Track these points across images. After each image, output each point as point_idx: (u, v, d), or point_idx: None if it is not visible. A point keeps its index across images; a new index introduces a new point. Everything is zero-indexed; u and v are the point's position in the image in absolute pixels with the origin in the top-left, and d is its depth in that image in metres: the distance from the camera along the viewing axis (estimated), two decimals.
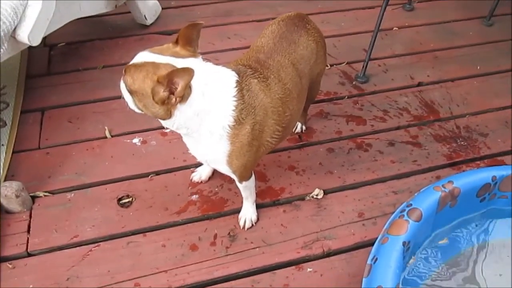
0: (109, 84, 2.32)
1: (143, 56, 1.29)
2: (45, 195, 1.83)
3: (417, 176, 2.01)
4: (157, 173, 1.95)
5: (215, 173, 1.94)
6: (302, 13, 1.74)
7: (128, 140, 2.07)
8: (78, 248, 1.69)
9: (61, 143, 2.03)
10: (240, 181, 1.62)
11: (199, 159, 1.59)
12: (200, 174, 1.92)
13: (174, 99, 1.27)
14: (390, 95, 2.39)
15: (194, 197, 1.87)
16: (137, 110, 1.39)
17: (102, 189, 1.88)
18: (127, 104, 1.38)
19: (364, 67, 2.43)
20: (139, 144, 2.05)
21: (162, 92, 1.25)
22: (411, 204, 1.52)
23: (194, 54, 1.34)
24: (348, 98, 2.36)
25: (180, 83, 1.22)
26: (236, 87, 1.40)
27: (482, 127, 2.25)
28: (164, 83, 1.24)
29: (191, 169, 1.96)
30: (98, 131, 2.09)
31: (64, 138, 2.05)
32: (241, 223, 1.77)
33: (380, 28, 2.33)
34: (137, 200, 1.85)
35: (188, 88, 1.28)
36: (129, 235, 1.73)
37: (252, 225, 1.78)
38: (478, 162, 2.09)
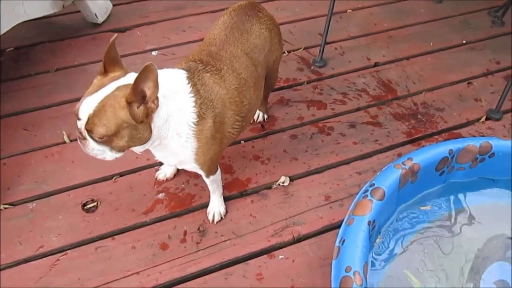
0: (64, 87, 2.26)
1: (89, 103, 1.21)
2: (5, 208, 1.77)
3: (379, 155, 2.05)
4: (121, 175, 1.92)
5: (180, 169, 1.93)
6: (254, 2, 1.73)
7: None
8: (45, 258, 1.64)
9: (18, 152, 1.97)
10: (207, 176, 1.61)
11: (168, 163, 1.57)
12: (165, 172, 1.90)
13: (152, 105, 1.23)
14: (348, 78, 2.42)
15: (161, 195, 1.85)
16: (118, 155, 1.34)
17: (65, 196, 1.83)
18: (106, 158, 1.33)
19: (321, 51, 2.45)
20: None
21: (138, 109, 1.22)
22: (373, 184, 1.55)
23: (126, 71, 1.31)
24: (307, 83, 2.38)
25: (148, 85, 1.19)
26: (188, 83, 1.39)
27: (438, 102, 2.32)
28: (134, 98, 1.20)
29: (156, 167, 1.94)
30: (56, 137, 2.03)
31: (21, 147, 1.98)
32: (210, 217, 1.77)
33: (334, 11, 2.36)
34: (103, 204, 1.81)
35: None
36: (97, 240, 1.70)
37: (221, 218, 1.78)
38: (437, 136, 2.16)
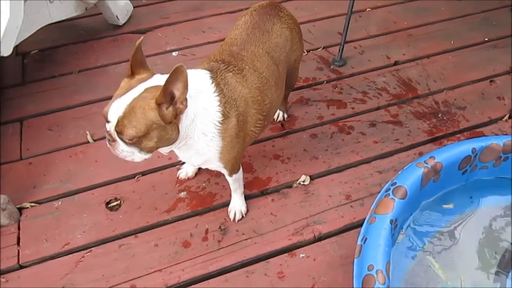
0: (86, 88, 2.31)
1: (118, 106, 1.23)
2: (32, 206, 1.82)
3: (400, 154, 2.04)
4: (143, 174, 1.94)
5: (201, 168, 1.95)
6: (275, 1, 1.74)
7: None
8: (70, 255, 1.68)
9: (43, 152, 2.01)
10: (230, 175, 1.62)
11: (192, 163, 1.59)
12: (186, 171, 1.92)
13: (180, 105, 1.25)
14: (368, 76, 2.41)
15: (182, 194, 1.87)
16: (147, 156, 1.36)
17: (89, 194, 1.87)
18: (135, 159, 1.35)
19: (341, 50, 2.45)
20: None
21: (167, 109, 1.24)
22: (395, 183, 1.54)
23: (152, 72, 1.33)
24: (327, 82, 2.37)
25: (177, 86, 1.21)
26: (212, 83, 1.41)
27: (459, 101, 2.29)
28: (164, 100, 1.22)
29: (177, 166, 1.97)
30: (79, 137, 2.08)
31: (45, 147, 2.03)
32: (231, 216, 1.78)
33: (353, 10, 2.35)
34: (126, 202, 1.84)
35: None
36: (121, 238, 1.73)
37: (242, 216, 1.79)
38: (458, 135, 2.13)
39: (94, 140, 2.07)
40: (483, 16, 2.81)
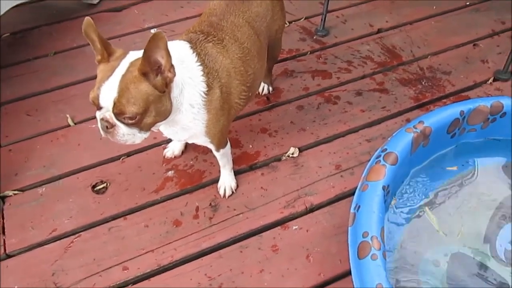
0: (64, 70, 2.23)
1: (109, 87, 1.17)
2: (15, 194, 1.76)
3: (387, 121, 2.03)
4: (128, 155, 1.90)
5: (188, 146, 1.91)
6: None
7: (94, 125, 1.99)
8: (58, 242, 1.64)
9: (23, 138, 1.95)
10: (218, 149, 1.59)
11: (178, 139, 1.54)
12: (173, 149, 1.88)
13: (168, 73, 1.20)
14: (352, 45, 2.38)
15: (170, 173, 1.84)
16: (146, 135, 1.30)
17: (74, 178, 1.82)
18: (135, 141, 1.29)
19: (323, 20, 2.40)
20: None
21: (156, 78, 1.20)
22: (386, 149, 1.53)
23: (124, 51, 1.26)
24: (310, 53, 2.34)
25: (160, 53, 1.15)
26: (193, 53, 1.36)
27: (444, 66, 2.28)
28: (149, 68, 1.17)
29: (163, 145, 1.92)
30: (60, 120, 2.01)
31: (25, 133, 1.96)
32: (221, 192, 1.76)
33: None
34: (112, 185, 1.80)
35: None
36: (110, 221, 1.69)
37: (233, 192, 1.77)
38: (444, 100, 2.13)
39: (75, 123, 2.01)
40: None
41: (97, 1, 2.53)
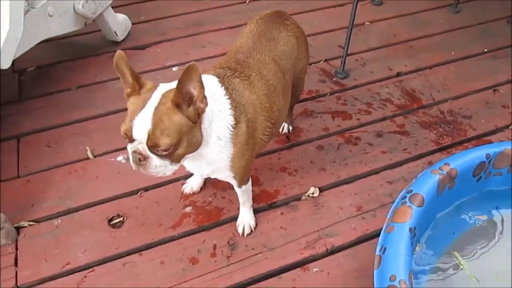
0: (85, 104, 2.25)
1: (143, 120, 1.16)
2: (30, 225, 1.73)
3: (409, 164, 2.00)
4: (146, 189, 1.87)
5: (206, 182, 1.89)
6: (280, 10, 1.72)
7: (112, 159, 1.99)
8: (71, 275, 1.59)
9: (41, 169, 1.94)
10: (240, 185, 1.57)
11: (201, 173, 1.52)
12: (192, 185, 1.86)
13: (201, 104, 1.20)
14: (372, 88, 2.39)
15: (188, 209, 1.80)
16: (176, 167, 1.28)
17: (90, 211, 1.79)
18: (166, 173, 1.27)
19: (343, 62, 2.43)
20: (124, 161, 1.98)
21: (189, 109, 1.20)
22: (411, 190, 1.49)
23: (154, 83, 1.26)
24: (330, 94, 2.35)
25: (193, 84, 1.16)
26: (221, 87, 1.37)
27: (464, 110, 2.27)
28: (181, 100, 1.17)
29: (181, 181, 1.90)
30: (79, 153, 2.01)
31: (44, 164, 1.96)
32: (240, 230, 1.71)
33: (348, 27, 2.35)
34: (129, 219, 1.77)
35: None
36: (124, 256, 1.65)
37: (251, 231, 1.72)
38: (466, 144, 2.10)
39: (95, 156, 2.00)
40: (481, 27, 2.83)
41: (121, 39, 2.59)
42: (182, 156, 1.28)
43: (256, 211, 1.78)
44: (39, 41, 2.01)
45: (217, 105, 1.33)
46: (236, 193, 1.66)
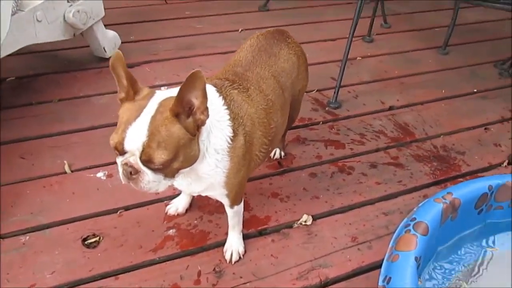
0: (67, 117, 2.13)
1: (137, 130, 1.05)
2: None
3: (404, 196, 1.92)
4: (127, 208, 1.73)
5: (192, 205, 1.76)
6: (282, 29, 1.68)
7: (92, 175, 1.85)
8: None
9: (12, 181, 1.78)
10: (232, 205, 1.45)
11: (191, 191, 1.39)
12: (177, 206, 1.72)
13: (201, 116, 1.10)
14: (364, 119, 2.35)
15: (171, 231, 1.66)
16: (170, 182, 1.17)
17: (63, 229, 1.63)
18: (159, 189, 1.16)
19: (336, 92, 2.40)
20: (104, 178, 1.84)
21: (188, 120, 1.10)
22: (415, 218, 1.41)
23: (151, 89, 1.17)
24: (323, 123, 2.29)
25: (195, 94, 1.06)
26: (220, 96, 1.28)
27: (458, 146, 2.24)
28: (181, 110, 1.07)
29: (165, 202, 1.77)
30: (56, 167, 1.86)
31: (15, 176, 1.80)
32: (227, 257, 1.58)
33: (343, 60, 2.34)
34: (106, 239, 1.61)
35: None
36: (98, 279, 1.48)
37: (240, 257, 1.59)
38: (461, 179, 2.05)
39: (72, 171, 1.86)
40: (470, 69, 2.88)
41: (109, 55, 2.50)
42: (176, 171, 1.16)
43: (245, 237, 1.65)
44: (23, 45, 1.91)
45: (215, 116, 1.24)
46: (223, 217, 1.55)
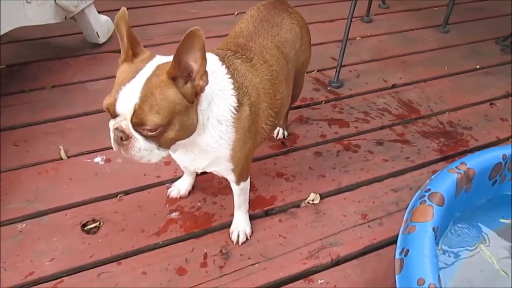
0: (61, 103, 2.05)
1: (130, 91, 0.99)
2: None
3: (413, 172, 1.87)
4: (127, 193, 1.66)
5: (195, 187, 1.70)
6: (283, 0, 1.61)
7: (89, 160, 1.78)
8: (35, 287, 1.34)
9: (5, 169, 1.70)
10: (238, 181, 1.38)
11: (195, 167, 1.32)
12: (179, 189, 1.66)
13: (200, 81, 1.03)
14: (368, 98, 2.29)
15: (174, 214, 1.60)
16: (165, 153, 1.10)
17: (61, 215, 1.56)
18: (151, 160, 1.08)
19: (338, 71, 2.33)
20: (102, 163, 1.77)
21: (186, 86, 1.02)
22: (429, 189, 1.35)
23: (151, 53, 1.11)
24: (325, 102, 2.23)
25: (194, 56, 0.99)
26: (222, 65, 1.21)
27: (464, 121, 2.18)
28: (179, 73, 1.00)
29: (167, 185, 1.70)
30: (51, 153, 1.79)
31: (10, 163, 1.73)
32: (234, 237, 1.52)
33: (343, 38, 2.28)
34: (106, 224, 1.54)
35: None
36: (100, 265, 1.42)
37: (247, 238, 1.53)
38: (470, 154, 1.99)
39: (69, 157, 1.78)
40: (471, 47, 2.82)
41: (102, 41, 2.43)
42: (172, 142, 1.09)
43: (251, 218, 1.59)
44: (13, 27, 1.82)
45: (217, 85, 1.17)
46: (228, 199, 1.49)
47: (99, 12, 2.40)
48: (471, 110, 2.28)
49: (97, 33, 2.35)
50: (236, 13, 2.92)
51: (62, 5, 2.01)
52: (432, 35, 2.92)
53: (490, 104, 2.33)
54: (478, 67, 2.62)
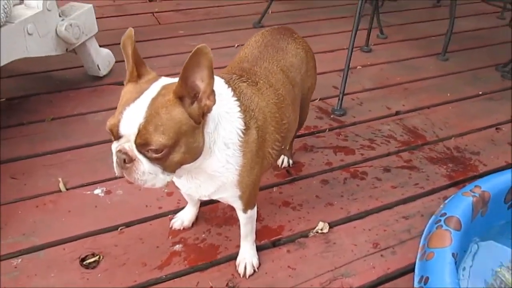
0: (60, 135, 2.02)
1: (135, 111, 0.95)
2: None
3: (423, 198, 1.81)
4: (128, 225, 1.60)
5: (199, 217, 1.63)
6: (287, 26, 1.61)
7: (89, 192, 1.72)
8: None
9: (3, 202, 1.65)
10: (246, 209, 1.32)
11: (201, 195, 1.26)
12: (182, 220, 1.59)
13: (207, 101, 0.99)
14: (372, 125, 2.26)
15: (178, 247, 1.53)
16: (169, 178, 1.05)
17: (59, 249, 1.49)
18: (155, 185, 1.03)
19: (340, 99, 2.32)
20: (103, 194, 1.71)
21: (192, 106, 0.99)
22: (445, 213, 1.30)
23: (156, 74, 1.09)
24: (329, 130, 2.19)
25: (201, 74, 0.96)
26: (228, 88, 1.18)
27: (471, 147, 2.15)
28: (185, 92, 0.97)
29: (169, 216, 1.64)
30: (50, 185, 1.73)
31: (6, 197, 1.67)
32: (241, 270, 1.44)
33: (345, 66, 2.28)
34: (106, 258, 1.47)
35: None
36: None
37: (255, 270, 1.45)
38: (480, 179, 1.94)
39: (68, 189, 1.73)
40: (472, 73, 2.82)
41: (103, 73, 2.42)
42: (177, 165, 1.04)
43: (258, 249, 1.52)
44: (14, 59, 1.81)
45: (224, 107, 1.13)
46: (233, 229, 1.44)
47: (100, 46, 2.41)
48: (477, 135, 2.25)
49: (98, 65, 2.35)
50: (236, 45, 2.94)
51: (63, 37, 2.01)
52: (432, 63, 2.93)
53: (496, 129, 2.30)
54: (480, 93, 2.61)
